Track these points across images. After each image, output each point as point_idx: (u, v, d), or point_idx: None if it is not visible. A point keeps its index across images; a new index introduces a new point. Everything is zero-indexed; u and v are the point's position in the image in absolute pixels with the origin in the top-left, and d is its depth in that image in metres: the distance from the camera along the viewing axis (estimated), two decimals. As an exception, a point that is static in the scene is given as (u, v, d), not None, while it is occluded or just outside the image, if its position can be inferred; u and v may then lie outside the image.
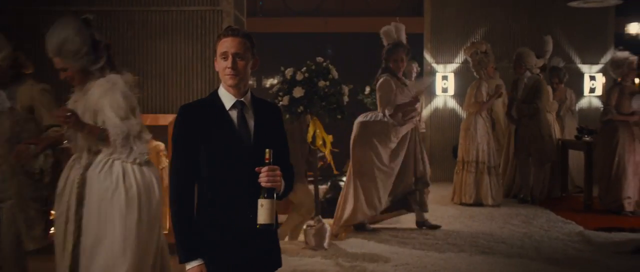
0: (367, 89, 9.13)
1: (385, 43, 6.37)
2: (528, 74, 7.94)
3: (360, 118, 6.36)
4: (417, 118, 6.40)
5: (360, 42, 11.16)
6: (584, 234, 6.36)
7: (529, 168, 8.09)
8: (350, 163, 6.26)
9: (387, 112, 6.17)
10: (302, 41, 11.01)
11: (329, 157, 9.13)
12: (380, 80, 6.17)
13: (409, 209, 6.49)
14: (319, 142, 6.19)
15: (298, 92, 5.97)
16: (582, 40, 10.25)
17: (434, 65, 10.36)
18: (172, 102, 5.88)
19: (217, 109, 2.67)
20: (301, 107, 6.03)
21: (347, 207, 6.25)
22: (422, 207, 6.49)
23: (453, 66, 10.41)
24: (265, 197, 2.57)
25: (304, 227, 6.06)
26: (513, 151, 8.34)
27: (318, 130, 6.21)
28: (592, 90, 10.38)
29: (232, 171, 2.63)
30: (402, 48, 6.24)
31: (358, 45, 11.27)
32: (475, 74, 7.96)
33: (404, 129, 6.27)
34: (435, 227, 6.53)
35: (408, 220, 6.87)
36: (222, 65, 2.67)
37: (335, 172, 9.10)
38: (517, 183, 8.49)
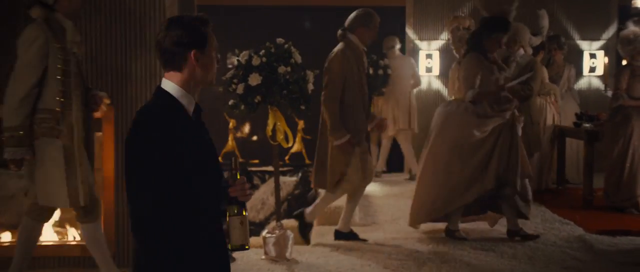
0: None
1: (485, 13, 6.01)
2: (521, 52, 7.58)
3: (441, 107, 6.09)
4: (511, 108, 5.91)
5: (336, 15, 10.70)
6: (585, 239, 6.06)
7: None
8: (426, 154, 5.95)
9: (467, 97, 5.81)
10: (277, 14, 10.72)
11: (297, 147, 8.99)
12: (466, 56, 5.89)
13: (499, 212, 6.06)
14: (280, 136, 5.78)
15: (255, 79, 5.55)
16: (582, 14, 10.11)
17: (417, 42, 10.18)
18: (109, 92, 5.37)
19: (182, 116, 2.52)
20: (258, 97, 5.61)
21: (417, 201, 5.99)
22: (518, 212, 5.96)
23: (438, 43, 10.25)
24: (238, 214, 2.50)
25: (263, 234, 5.72)
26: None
27: (279, 123, 5.80)
28: (592, 69, 10.19)
29: (209, 187, 2.52)
30: (507, 26, 5.88)
31: (335, 19, 10.74)
32: (455, 52, 7.74)
33: (492, 122, 5.82)
34: (532, 237, 6.01)
35: (391, 229, 6.58)
36: (213, 60, 2.57)
37: (307, 161, 9.31)
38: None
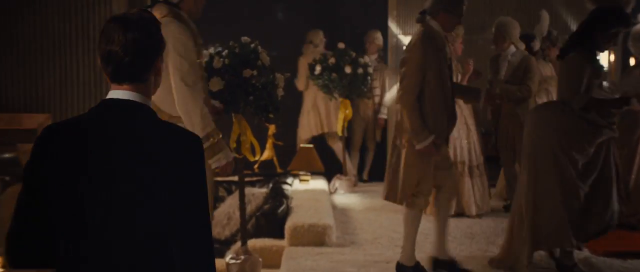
0: (318, 68, 8.62)
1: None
2: (512, 49, 7.41)
3: (536, 108, 5.73)
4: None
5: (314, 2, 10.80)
6: (592, 263, 5.76)
7: (515, 169, 7.53)
8: (522, 171, 5.40)
9: (576, 104, 5.21)
10: (244, 3, 10.48)
11: (267, 154, 8.70)
12: (571, 54, 5.28)
13: None
14: (246, 147, 5.47)
15: (216, 84, 5.22)
16: (584, 6, 9.50)
17: (401, 36, 9.90)
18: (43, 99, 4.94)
19: None
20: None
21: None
22: None
23: None
24: None
25: (226, 259, 5.45)
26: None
27: (245, 133, 5.50)
28: None
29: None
30: (628, 20, 5.43)
31: (310, 10, 10.70)
32: None
33: (602, 135, 5.30)
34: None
35: (372, 250, 6.30)
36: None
37: (279, 170, 9.13)
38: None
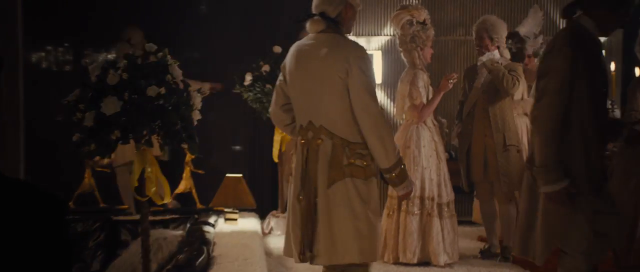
0: (248, 78, 8.60)
1: None
2: (496, 55, 7.42)
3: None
4: None
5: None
6: None
7: (493, 204, 7.65)
8: None
9: None
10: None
11: (184, 186, 9.00)
12: None
13: None
14: (151, 188, 5.24)
15: (111, 106, 4.94)
16: None
17: (352, 38, 9.45)
18: None
19: None
20: (117, 133, 5.03)
21: None
22: None
23: (380, 41, 10.09)
24: None
25: None
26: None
27: (150, 169, 5.26)
28: None
29: None
30: None
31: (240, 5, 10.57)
32: (403, 56, 7.56)
33: None
34: None
35: None
36: None
37: (198, 206, 9.11)
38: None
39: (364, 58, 4.70)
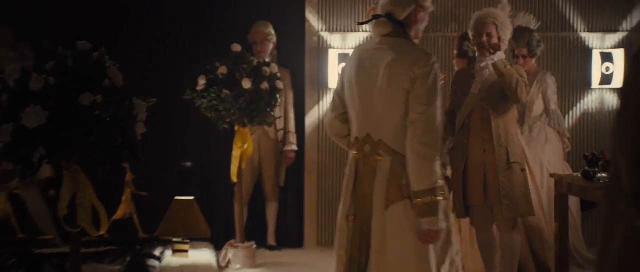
0: (202, 82, 8.42)
1: None
2: (500, 55, 7.32)
3: None
4: None
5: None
6: None
7: (492, 233, 7.53)
8: None
9: None
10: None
11: (124, 211, 8.83)
12: None
13: None
14: (84, 217, 5.33)
15: (33, 117, 5.03)
16: None
17: (325, 35, 9.88)
18: None
19: None
20: (42, 151, 5.13)
21: None
22: None
23: (358, 38, 9.97)
24: None
25: None
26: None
27: (82, 193, 5.37)
28: (606, 79, 9.87)
29: None
30: None
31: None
32: None
33: None
34: None
35: None
36: None
37: (141, 235, 8.96)
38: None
39: (431, 69, 4.76)
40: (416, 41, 5.04)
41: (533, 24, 8.74)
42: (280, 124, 9.57)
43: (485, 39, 7.30)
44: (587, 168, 7.41)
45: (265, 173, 9.61)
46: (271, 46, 9.42)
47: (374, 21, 4.96)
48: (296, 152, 9.67)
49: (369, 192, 4.83)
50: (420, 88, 4.74)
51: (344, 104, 5.04)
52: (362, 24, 5.23)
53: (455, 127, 7.49)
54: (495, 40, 7.27)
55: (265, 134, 9.50)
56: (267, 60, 9.15)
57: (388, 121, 4.84)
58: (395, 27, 4.87)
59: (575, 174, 7.88)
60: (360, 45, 4.98)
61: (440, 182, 4.83)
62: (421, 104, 4.75)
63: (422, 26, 5.08)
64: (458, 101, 7.51)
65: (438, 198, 4.77)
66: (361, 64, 4.95)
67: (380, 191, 4.81)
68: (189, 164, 9.88)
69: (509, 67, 7.15)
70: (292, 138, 9.60)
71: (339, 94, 5.07)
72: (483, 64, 7.36)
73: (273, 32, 9.43)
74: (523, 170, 7.33)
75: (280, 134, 9.63)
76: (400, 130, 4.77)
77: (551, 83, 8.80)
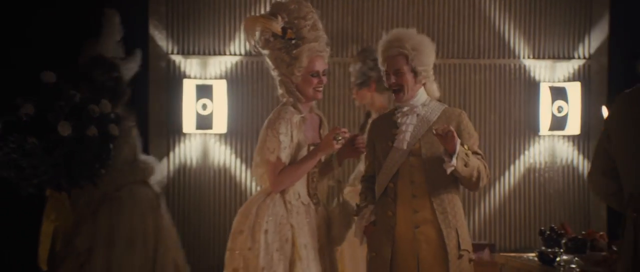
0: None
1: None
2: (423, 97, 6.62)
3: None
4: None
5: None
6: None
7: None
8: None
9: None
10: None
11: None
12: None
13: None
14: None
15: None
16: (536, 8, 9.97)
17: (176, 59, 9.49)
18: None
19: None
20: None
21: None
22: None
23: (223, 64, 9.79)
24: None
25: None
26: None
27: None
28: (558, 122, 9.69)
29: None
30: None
31: None
32: (280, 91, 6.91)
33: None
34: None
35: None
36: None
37: None
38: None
39: None
40: None
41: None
42: None
43: (393, 80, 6.37)
44: (544, 248, 7.22)
45: None
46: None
47: None
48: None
49: None
50: None
51: (612, 158, 5.14)
52: None
53: (375, 193, 6.49)
54: (407, 78, 6.30)
55: None
56: None
57: None
58: None
59: (527, 256, 7.53)
60: (635, 87, 4.82)
61: None
62: None
63: None
64: (376, 160, 6.50)
65: None
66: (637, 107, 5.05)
67: None
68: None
69: (471, 156, 6.18)
70: None
71: (605, 146, 5.17)
72: (406, 109, 6.40)
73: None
74: (471, 261, 6.39)
75: None
76: None
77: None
